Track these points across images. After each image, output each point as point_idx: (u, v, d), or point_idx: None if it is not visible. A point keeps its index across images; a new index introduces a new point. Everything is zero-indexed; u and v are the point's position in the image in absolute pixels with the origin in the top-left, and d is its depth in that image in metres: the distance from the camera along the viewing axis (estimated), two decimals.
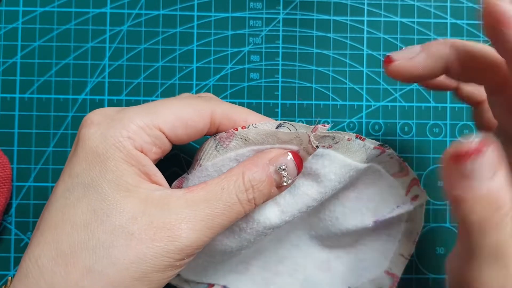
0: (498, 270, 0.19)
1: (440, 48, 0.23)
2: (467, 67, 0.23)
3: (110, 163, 0.20)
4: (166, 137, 0.22)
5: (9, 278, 0.30)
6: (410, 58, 0.23)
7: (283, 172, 0.22)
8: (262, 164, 0.22)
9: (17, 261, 0.32)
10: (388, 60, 0.23)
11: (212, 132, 0.24)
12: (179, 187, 0.25)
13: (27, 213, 0.32)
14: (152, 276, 0.20)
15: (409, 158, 0.33)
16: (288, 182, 0.23)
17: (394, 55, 0.23)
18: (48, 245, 0.20)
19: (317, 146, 0.23)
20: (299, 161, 0.23)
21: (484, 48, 0.22)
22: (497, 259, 0.19)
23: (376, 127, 0.33)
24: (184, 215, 0.20)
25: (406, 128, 0.34)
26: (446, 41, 0.23)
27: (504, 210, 0.19)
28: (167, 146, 0.23)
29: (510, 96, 0.22)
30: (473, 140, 0.18)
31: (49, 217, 0.20)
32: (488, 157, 0.18)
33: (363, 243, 0.30)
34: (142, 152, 0.21)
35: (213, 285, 0.30)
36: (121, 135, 0.21)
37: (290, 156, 0.23)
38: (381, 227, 0.30)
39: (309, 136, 0.23)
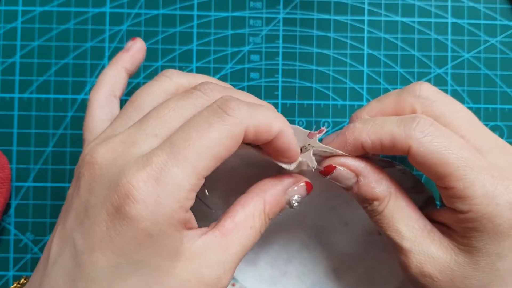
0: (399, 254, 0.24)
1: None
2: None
3: (164, 241, 0.20)
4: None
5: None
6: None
7: (295, 203, 0.24)
8: (279, 194, 0.24)
9: (17, 261, 0.32)
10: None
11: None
12: None
13: (26, 214, 0.32)
14: None
15: None
16: (297, 208, 0.24)
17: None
18: None
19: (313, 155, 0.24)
20: (310, 186, 0.25)
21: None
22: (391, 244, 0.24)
23: None
24: (226, 264, 0.21)
25: None
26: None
27: (378, 200, 0.24)
28: None
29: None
30: (328, 163, 0.25)
31: (96, 283, 0.20)
32: (340, 170, 0.24)
33: (374, 257, 0.30)
34: (188, 210, 0.21)
35: None
36: (173, 210, 0.19)
37: (304, 186, 0.24)
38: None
39: (305, 146, 0.24)
